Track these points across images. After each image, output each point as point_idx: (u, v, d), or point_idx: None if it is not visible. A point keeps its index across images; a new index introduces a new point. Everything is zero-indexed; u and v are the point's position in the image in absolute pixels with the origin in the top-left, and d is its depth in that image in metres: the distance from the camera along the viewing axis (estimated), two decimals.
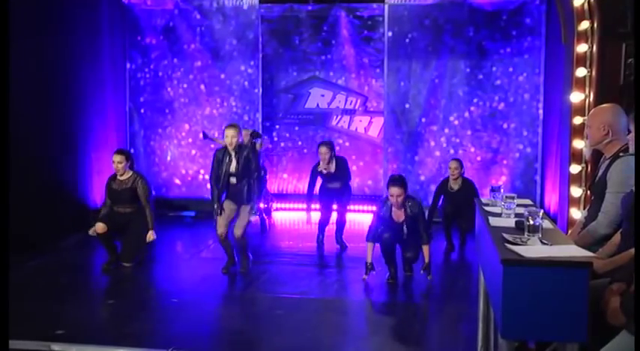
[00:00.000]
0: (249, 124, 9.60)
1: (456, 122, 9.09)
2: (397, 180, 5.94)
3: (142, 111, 9.79)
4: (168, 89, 9.71)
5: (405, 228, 5.96)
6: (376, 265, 6.05)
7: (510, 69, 8.85)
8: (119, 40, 9.45)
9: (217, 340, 4.81)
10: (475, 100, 9.00)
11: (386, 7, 9.08)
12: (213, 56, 9.55)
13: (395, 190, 5.87)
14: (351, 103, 9.82)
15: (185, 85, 9.67)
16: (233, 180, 6.33)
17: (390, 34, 9.11)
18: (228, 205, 6.41)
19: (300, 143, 9.97)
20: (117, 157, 6.69)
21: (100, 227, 6.53)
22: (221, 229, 6.37)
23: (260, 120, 9.64)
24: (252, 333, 4.95)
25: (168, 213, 9.50)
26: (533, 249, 2.77)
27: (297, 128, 9.95)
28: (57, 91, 7.84)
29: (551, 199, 7.66)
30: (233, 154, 6.29)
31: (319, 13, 9.61)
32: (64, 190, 8.00)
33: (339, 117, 9.88)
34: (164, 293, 5.94)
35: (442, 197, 7.62)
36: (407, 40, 9.09)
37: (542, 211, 3.06)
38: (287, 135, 9.99)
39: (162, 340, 4.68)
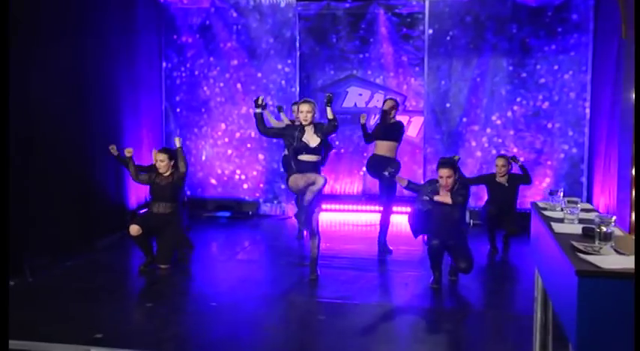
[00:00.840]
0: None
1: (499, 122, 8.83)
2: (447, 162, 5.89)
3: (178, 110, 9.71)
4: (204, 88, 9.62)
5: (447, 213, 5.84)
6: (420, 270, 5.86)
7: (555, 67, 8.55)
8: (155, 39, 9.39)
9: (258, 346, 4.66)
10: (518, 99, 8.73)
11: (426, 3, 8.85)
12: (250, 55, 9.43)
13: (445, 172, 5.79)
14: None
15: (221, 84, 9.57)
16: (307, 157, 5.97)
17: (430, 31, 8.89)
18: (297, 181, 5.99)
19: (337, 143, 9.79)
20: (160, 156, 6.62)
21: (134, 230, 6.43)
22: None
23: None
24: (294, 339, 4.80)
25: (204, 213, 9.42)
26: (609, 259, 2.56)
27: None
28: (93, 90, 7.77)
29: (600, 202, 7.37)
30: (310, 129, 6.01)
31: (357, 11, 9.44)
32: (101, 190, 7.94)
33: (377, 116, 9.66)
34: (202, 296, 5.81)
35: (486, 191, 7.45)
36: (448, 38, 8.85)
37: (614, 217, 2.84)
38: None
39: (201, 345, 4.56)
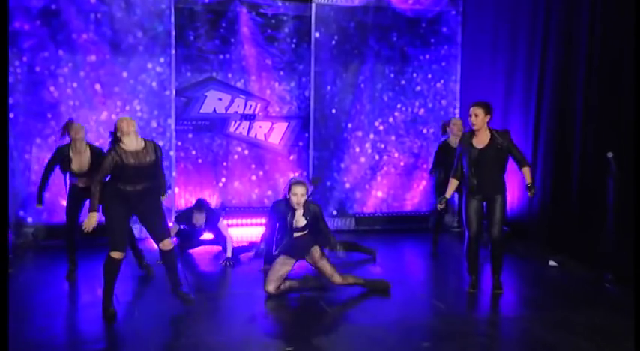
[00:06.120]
0: (158, 133, 8.18)
1: (381, 128, 8.99)
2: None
3: (12, 116, 7.63)
4: (51, 88, 7.75)
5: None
6: None
7: (429, 75, 9.06)
8: None
9: None
10: (399, 106, 9.02)
11: (313, 6, 8.55)
12: (113, 50, 7.91)
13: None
14: (250, 108, 8.98)
15: (74, 84, 7.82)
16: (298, 234, 5.88)
17: (317, 35, 8.60)
18: (284, 261, 5.86)
19: (194, 153, 8.80)
20: None
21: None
22: (271, 285, 5.76)
23: (173, 127, 8.27)
24: None
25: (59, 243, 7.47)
26: None
27: (190, 135, 8.76)
28: None
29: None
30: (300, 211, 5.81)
31: (217, 7, 8.64)
32: None
33: (237, 123, 8.96)
34: None
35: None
36: (333, 43, 8.69)
37: None
38: (179, 143, 8.71)
39: None
